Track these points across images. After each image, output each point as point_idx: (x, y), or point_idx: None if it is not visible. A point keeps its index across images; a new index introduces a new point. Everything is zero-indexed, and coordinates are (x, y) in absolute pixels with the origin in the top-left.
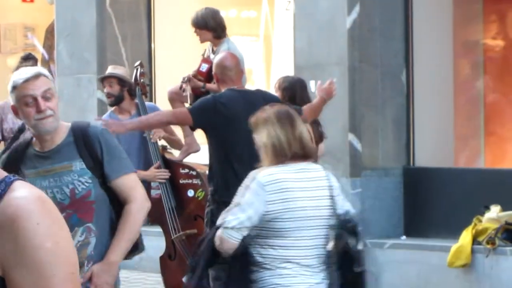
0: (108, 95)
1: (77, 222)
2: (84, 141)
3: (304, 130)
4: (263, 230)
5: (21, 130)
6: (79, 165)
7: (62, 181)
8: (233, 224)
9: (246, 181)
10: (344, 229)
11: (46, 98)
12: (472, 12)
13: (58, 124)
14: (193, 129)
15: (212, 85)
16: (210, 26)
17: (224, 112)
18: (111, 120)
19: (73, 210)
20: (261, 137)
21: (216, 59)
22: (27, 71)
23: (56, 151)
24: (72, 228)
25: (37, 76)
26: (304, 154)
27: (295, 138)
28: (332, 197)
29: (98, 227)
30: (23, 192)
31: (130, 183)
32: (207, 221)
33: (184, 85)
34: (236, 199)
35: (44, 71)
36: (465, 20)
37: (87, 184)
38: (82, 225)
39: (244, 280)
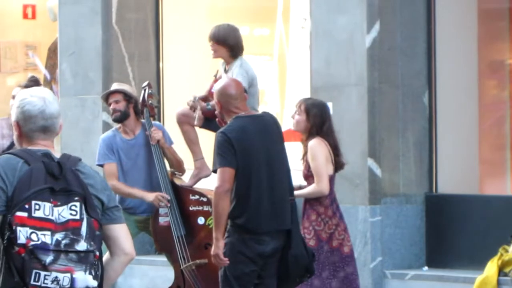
0: (114, 111)
1: None
2: None
3: None
4: None
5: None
6: None
7: None
8: None
9: None
10: None
11: None
12: (497, 29)
13: None
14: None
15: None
16: (229, 43)
17: (239, 146)
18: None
19: None
20: None
21: (218, 84)
22: None
23: None
24: None
25: None
26: None
27: None
28: None
29: None
30: None
31: None
32: (225, 252)
33: (194, 104)
34: None
35: None
36: (491, 38)
37: None
38: None
39: None
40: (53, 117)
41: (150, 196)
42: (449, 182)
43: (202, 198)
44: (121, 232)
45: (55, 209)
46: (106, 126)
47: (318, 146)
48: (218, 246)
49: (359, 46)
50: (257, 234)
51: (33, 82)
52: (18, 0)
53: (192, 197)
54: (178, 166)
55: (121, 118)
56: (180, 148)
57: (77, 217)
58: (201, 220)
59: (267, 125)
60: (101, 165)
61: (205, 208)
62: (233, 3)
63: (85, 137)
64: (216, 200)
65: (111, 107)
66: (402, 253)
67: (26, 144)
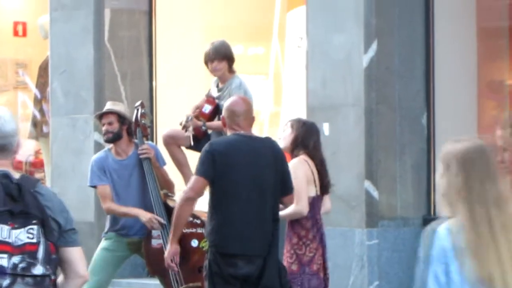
0: (107, 132)
1: None
2: None
3: None
4: None
5: None
6: None
7: None
8: None
9: None
10: None
11: None
12: (497, 48)
13: None
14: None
15: (212, 124)
16: (229, 57)
17: (222, 160)
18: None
19: None
20: None
21: (227, 102)
22: None
23: None
24: None
25: None
26: None
27: None
28: None
29: None
30: None
31: None
32: (206, 275)
33: (187, 124)
34: None
35: None
36: (490, 57)
37: None
38: None
39: None
40: (9, 135)
41: (144, 216)
42: None
43: (195, 220)
44: (76, 255)
45: (13, 231)
46: (97, 146)
47: (299, 165)
48: (168, 251)
49: (356, 66)
50: (227, 257)
51: None
52: (8, 17)
53: None
54: (167, 188)
55: (113, 139)
56: (173, 171)
57: (34, 240)
58: (194, 243)
59: (262, 149)
60: (94, 186)
61: (199, 230)
62: (228, 21)
63: (76, 157)
64: (177, 205)
65: (104, 128)
66: (400, 277)
67: None
